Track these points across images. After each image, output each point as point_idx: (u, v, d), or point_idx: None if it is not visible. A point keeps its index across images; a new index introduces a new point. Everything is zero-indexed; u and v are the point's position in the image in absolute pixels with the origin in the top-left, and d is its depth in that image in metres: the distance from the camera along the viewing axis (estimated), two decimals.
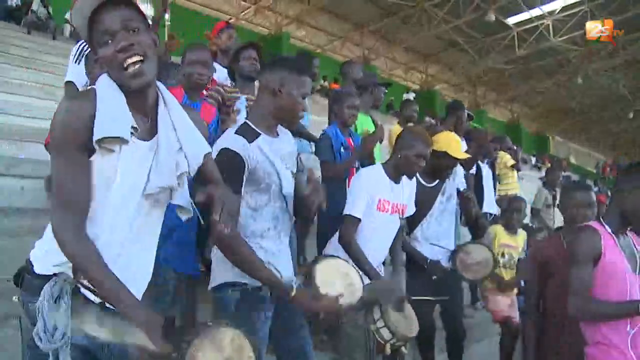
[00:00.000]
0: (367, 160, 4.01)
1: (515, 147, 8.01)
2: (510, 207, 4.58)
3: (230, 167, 2.10)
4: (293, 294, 2.12)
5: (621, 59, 23.17)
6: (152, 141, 1.55)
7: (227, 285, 2.22)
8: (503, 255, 4.41)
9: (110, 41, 1.47)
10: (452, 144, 3.63)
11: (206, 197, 1.57)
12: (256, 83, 3.27)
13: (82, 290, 1.47)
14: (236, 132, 2.22)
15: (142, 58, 1.48)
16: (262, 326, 2.21)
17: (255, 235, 2.22)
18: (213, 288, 2.29)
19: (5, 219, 3.88)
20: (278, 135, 2.34)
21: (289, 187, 2.30)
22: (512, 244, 4.47)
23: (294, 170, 2.39)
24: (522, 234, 4.59)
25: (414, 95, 21.71)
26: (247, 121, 2.29)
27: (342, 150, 3.85)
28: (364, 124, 4.48)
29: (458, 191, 3.76)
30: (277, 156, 2.26)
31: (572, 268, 2.42)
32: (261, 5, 22.02)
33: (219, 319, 2.23)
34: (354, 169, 3.87)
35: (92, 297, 1.48)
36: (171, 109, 1.62)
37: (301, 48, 22.41)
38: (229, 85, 3.81)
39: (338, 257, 2.56)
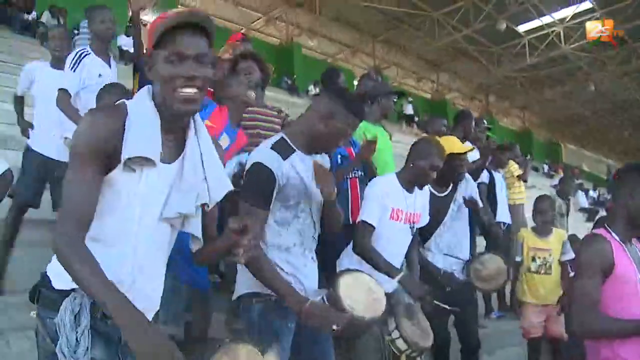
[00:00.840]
0: (367, 166, 4.00)
1: (524, 157, 7.96)
2: (535, 208, 4.45)
3: (261, 182, 2.14)
4: (306, 306, 2.09)
5: (633, 65, 23.00)
6: (174, 164, 1.56)
7: (250, 295, 2.25)
8: (534, 259, 4.28)
9: (175, 62, 1.46)
10: (454, 144, 3.66)
11: (242, 226, 1.54)
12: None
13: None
14: (272, 147, 2.24)
15: (197, 90, 1.48)
16: (284, 337, 2.23)
17: (281, 249, 2.25)
18: (237, 297, 2.32)
19: (22, 231, 3.94)
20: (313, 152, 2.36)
21: (317, 204, 2.35)
22: (543, 247, 4.29)
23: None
24: (557, 235, 4.38)
25: (412, 105, 21.58)
26: (284, 136, 2.32)
27: (339, 160, 3.82)
28: (372, 134, 4.44)
29: (463, 199, 3.74)
30: (309, 174, 2.28)
31: (579, 279, 2.25)
32: (272, 15, 22.14)
33: (243, 328, 2.28)
34: (356, 179, 3.86)
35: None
36: (201, 139, 1.62)
37: (312, 58, 22.55)
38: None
39: (362, 271, 2.57)
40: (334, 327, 2.05)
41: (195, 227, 1.63)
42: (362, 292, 2.32)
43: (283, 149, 2.23)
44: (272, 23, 22.51)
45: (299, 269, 2.30)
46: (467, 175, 3.90)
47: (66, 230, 1.36)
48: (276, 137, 2.33)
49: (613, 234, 2.31)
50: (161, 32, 1.45)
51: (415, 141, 3.32)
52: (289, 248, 2.27)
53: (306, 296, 2.19)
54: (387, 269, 2.89)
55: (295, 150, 2.27)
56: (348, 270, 2.52)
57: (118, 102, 1.52)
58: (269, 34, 22.74)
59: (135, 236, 1.51)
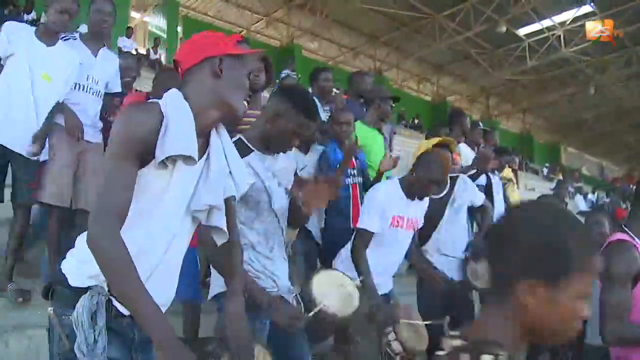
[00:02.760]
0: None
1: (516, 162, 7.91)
2: None
3: None
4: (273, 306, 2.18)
5: (634, 69, 23.02)
6: (200, 160, 1.60)
7: (223, 294, 2.27)
8: None
9: (248, 78, 1.72)
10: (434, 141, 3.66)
11: None
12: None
13: (114, 302, 1.49)
14: None
15: None
16: (258, 332, 2.26)
17: (247, 247, 2.27)
18: (212, 298, 2.37)
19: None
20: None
21: (280, 202, 2.37)
22: None
23: (289, 186, 2.44)
24: None
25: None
26: (241, 137, 2.35)
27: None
28: (369, 137, 4.44)
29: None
30: (268, 173, 2.32)
31: (612, 290, 2.16)
32: (273, 17, 22.17)
33: (219, 326, 2.30)
34: (356, 185, 3.88)
35: (124, 310, 1.50)
36: (222, 135, 1.71)
37: (312, 60, 22.55)
38: None
39: (335, 269, 2.60)
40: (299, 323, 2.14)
41: (219, 220, 1.67)
42: (335, 290, 2.36)
43: (239, 150, 2.26)
44: (272, 25, 22.54)
45: (269, 267, 2.33)
46: (465, 178, 3.92)
47: (106, 227, 1.38)
48: (234, 139, 2.35)
49: (636, 239, 2.24)
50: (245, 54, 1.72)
51: (422, 152, 3.29)
52: (255, 246, 2.30)
53: (278, 294, 2.26)
54: (369, 288, 2.89)
55: (252, 150, 2.30)
56: (321, 269, 2.56)
57: (151, 101, 1.56)
58: (270, 35, 22.77)
59: (160, 229, 1.54)
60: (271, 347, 2.34)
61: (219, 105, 1.61)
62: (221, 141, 1.69)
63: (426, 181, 3.08)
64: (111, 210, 1.40)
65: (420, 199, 3.21)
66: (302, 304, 2.29)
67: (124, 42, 13.50)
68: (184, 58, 1.66)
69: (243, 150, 2.27)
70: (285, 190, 2.42)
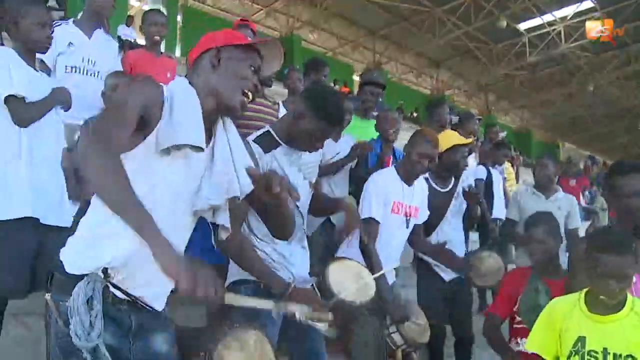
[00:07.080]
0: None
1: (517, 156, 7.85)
2: None
3: None
4: (290, 290, 2.14)
5: (632, 68, 23.02)
6: (203, 153, 1.57)
7: (241, 282, 2.30)
8: None
9: (253, 71, 1.64)
10: (452, 137, 3.72)
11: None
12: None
13: (112, 289, 1.49)
14: (254, 140, 2.27)
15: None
16: (270, 323, 2.24)
17: (267, 239, 2.28)
18: (229, 284, 2.36)
19: None
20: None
21: (302, 197, 2.34)
22: None
23: (313, 180, 2.47)
24: None
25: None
26: (270, 130, 2.36)
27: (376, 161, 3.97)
28: (362, 128, 4.44)
29: (463, 190, 3.75)
30: (294, 166, 2.34)
31: None
32: (273, 8, 22.09)
33: (233, 314, 2.31)
34: None
35: (121, 295, 1.51)
36: (229, 132, 1.68)
37: (312, 51, 22.49)
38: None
39: (351, 258, 2.60)
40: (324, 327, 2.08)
41: (224, 218, 1.66)
42: (351, 278, 2.35)
43: (266, 142, 2.28)
44: (272, 15, 22.45)
45: (287, 257, 2.34)
46: (470, 173, 3.92)
47: (101, 144, 1.30)
48: (262, 131, 2.38)
49: None
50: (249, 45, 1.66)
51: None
52: (274, 239, 2.28)
53: (290, 282, 2.22)
54: (382, 284, 2.86)
55: (280, 144, 2.31)
56: (337, 258, 2.56)
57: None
58: (269, 26, 22.67)
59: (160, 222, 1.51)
60: (285, 340, 2.35)
61: (212, 93, 1.59)
62: (227, 136, 1.66)
63: (416, 156, 3.08)
64: (108, 136, 1.33)
65: (416, 177, 3.19)
66: (318, 294, 2.29)
67: (124, 31, 13.41)
68: (192, 52, 1.68)
69: (271, 143, 2.29)
70: (309, 183, 2.43)
